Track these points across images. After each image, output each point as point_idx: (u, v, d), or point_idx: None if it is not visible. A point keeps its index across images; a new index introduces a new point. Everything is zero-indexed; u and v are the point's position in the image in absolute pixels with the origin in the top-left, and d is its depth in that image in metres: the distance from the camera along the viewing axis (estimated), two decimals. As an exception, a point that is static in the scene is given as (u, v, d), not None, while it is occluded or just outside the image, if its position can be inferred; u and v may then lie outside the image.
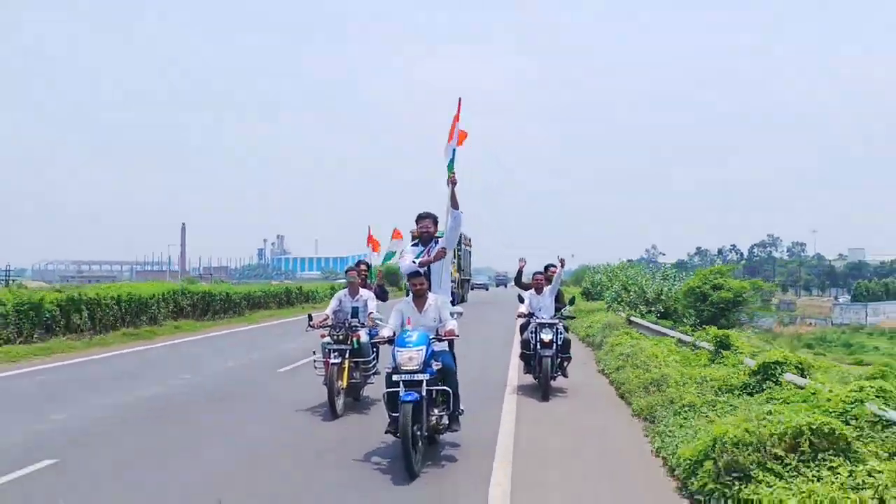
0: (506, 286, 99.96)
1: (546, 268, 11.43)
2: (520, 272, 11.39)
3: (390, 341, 6.81)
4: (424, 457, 6.68)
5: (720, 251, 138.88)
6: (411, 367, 6.37)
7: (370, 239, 12.01)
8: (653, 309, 21.70)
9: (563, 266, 11.18)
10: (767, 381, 8.01)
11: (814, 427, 5.29)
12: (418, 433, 6.32)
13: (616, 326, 17.02)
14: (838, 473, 5.01)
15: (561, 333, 10.60)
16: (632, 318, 19.38)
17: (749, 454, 5.32)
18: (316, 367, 9.53)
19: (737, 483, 5.26)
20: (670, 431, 7.36)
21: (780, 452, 5.27)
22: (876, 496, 4.68)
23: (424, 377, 6.38)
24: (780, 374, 8.02)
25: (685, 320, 19.86)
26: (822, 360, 14.08)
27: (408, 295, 7.38)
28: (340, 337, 8.92)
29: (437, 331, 6.97)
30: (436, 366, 6.64)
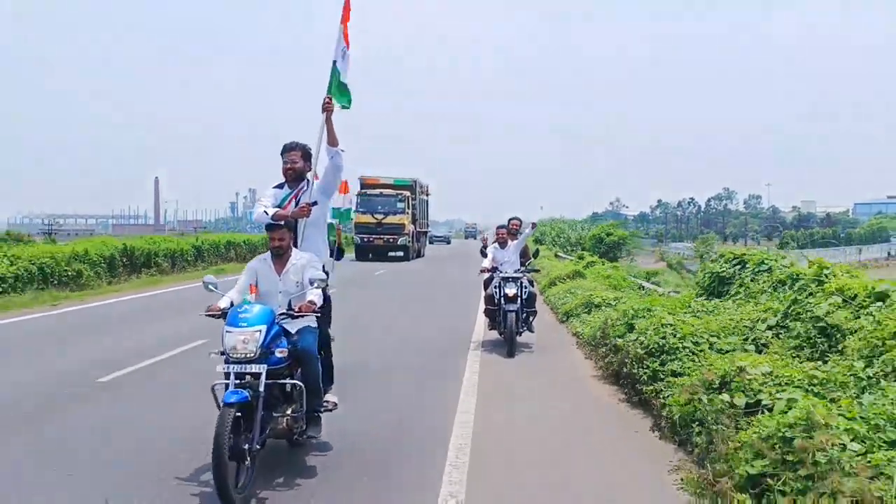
0: (475, 237, 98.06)
1: (509, 221, 10.95)
2: (484, 246, 10.96)
3: (224, 315, 4.97)
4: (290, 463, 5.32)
5: (679, 203, 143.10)
6: (242, 354, 4.66)
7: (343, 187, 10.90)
8: (574, 249, 34.54)
9: (534, 228, 10.98)
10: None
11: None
12: (247, 447, 4.52)
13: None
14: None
15: (526, 287, 10.16)
16: (558, 254, 32.43)
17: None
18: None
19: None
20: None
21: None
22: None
23: (262, 368, 4.68)
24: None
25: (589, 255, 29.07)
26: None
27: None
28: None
29: (289, 305, 5.26)
30: (280, 353, 4.88)
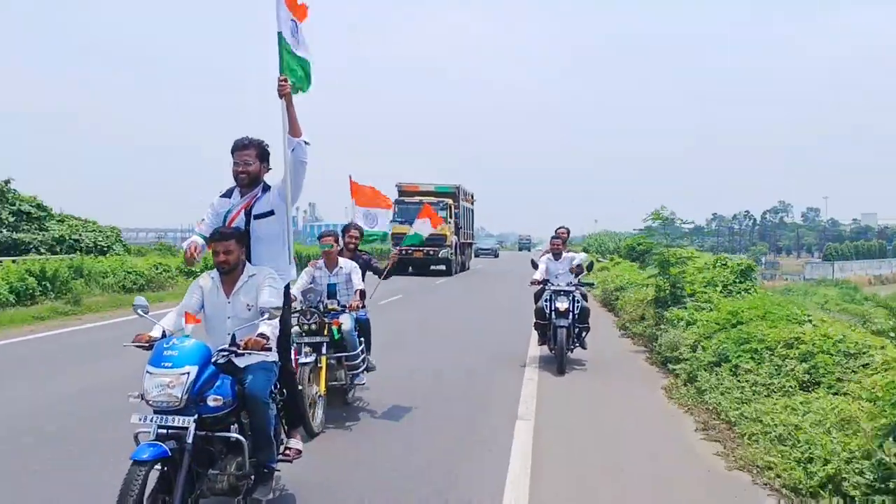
0: (529, 249, 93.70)
1: (556, 230, 10.37)
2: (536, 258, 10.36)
3: (150, 346, 3.96)
4: None
5: (735, 216, 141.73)
6: (164, 402, 3.69)
7: (355, 190, 8.01)
8: (612, 256, 34.16)
9: (589, 269, 10.49)
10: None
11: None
12: None
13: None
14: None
15: (578, 301, 9.54)
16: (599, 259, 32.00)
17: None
18: None
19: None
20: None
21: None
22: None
23: (188, 422, 3.69)
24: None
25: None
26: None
27: None
28: (313, 326, 6.35)
29: (233, 339, 4.14)
30: (214, 401, 3.81)
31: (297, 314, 6.28)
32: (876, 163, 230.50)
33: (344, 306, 6.65)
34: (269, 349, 4.11)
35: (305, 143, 4.74)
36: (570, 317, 9.35)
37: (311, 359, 6.07)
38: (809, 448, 4.91)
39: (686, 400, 7.45)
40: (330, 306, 6.58)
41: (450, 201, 31.57)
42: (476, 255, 48.72)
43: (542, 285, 9.75)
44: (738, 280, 11.00)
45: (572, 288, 9.53)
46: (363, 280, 6.97)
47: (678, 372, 8.30)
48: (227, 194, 4.70)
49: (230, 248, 4.25)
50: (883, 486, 4.10)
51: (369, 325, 7.28)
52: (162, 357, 3.76)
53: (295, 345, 6.10)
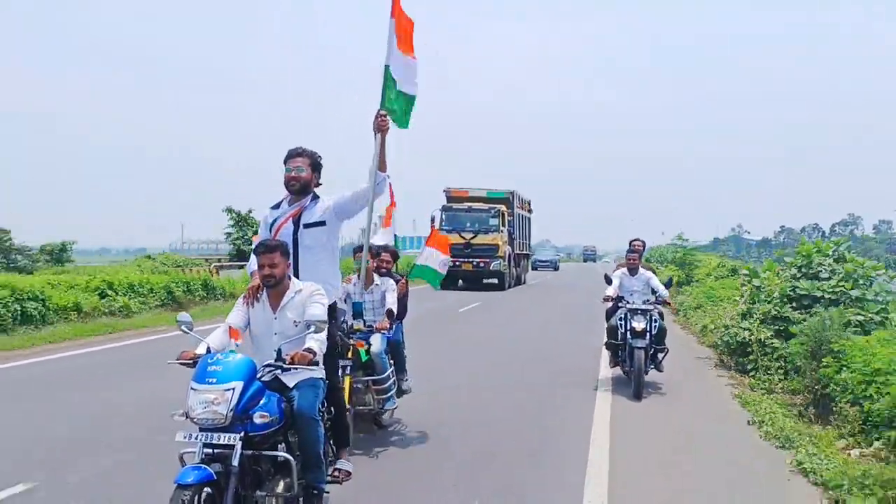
0: (595, 261, 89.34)
1: (631, 243, 9.62)
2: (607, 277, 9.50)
3: (195, 364, 3.79)
4: None
5: (803, 229, 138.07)
6: (209, 419, 3.51)
7: (433, 237, 7.15)
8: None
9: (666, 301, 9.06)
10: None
11: None
12: None
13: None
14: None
15: (656, 321, 8.79)
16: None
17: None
18: None
19: None
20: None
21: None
22: None
23: (235, 439, 3.51)
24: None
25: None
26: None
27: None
28: (335, 348, 6.21)
29: (279, 353, 3.92)
30: (261, 418, 3.65)
31: None
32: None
33: (371, 327, 6.28)
34: (317, 364, 3.93)
35: (387, 176, 4.95)
36: (648, 337, 8.61)
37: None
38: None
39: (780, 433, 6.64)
40: (356, 326, 6.27)
41: (503, 208, 28.09)
42: (534, 268, 45.57)
43: (615, 302, 9.05)
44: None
45: (650, 306, 8.78)
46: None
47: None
48: (277, 206, 4.71)
49: (275, 261, 4.08)
50: None
51: (401, 346, 6.87)
52: (206, 373, 3.62)
53: None
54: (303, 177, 4.58)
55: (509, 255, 28.45)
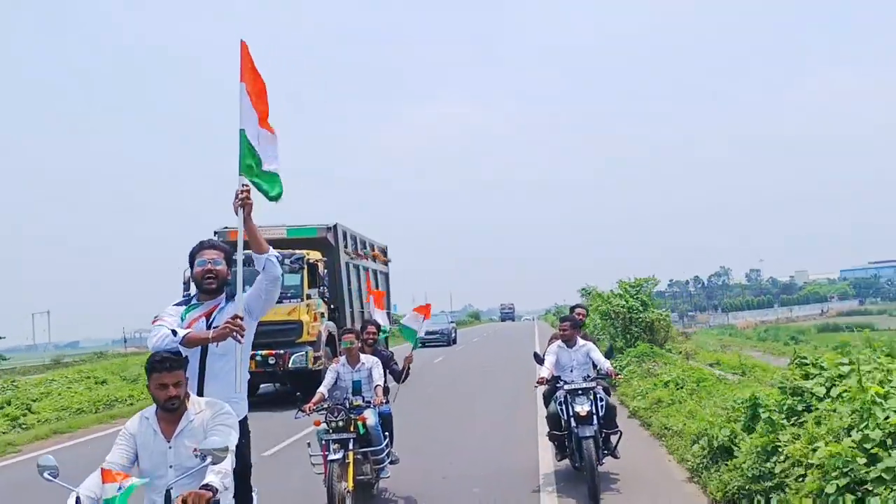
0: (513, 320, 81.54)
1: (572, 309, 8.11)
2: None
3: None
4: None
5: (687, 282, 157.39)
6: None
7: (421, 308, 7.76)
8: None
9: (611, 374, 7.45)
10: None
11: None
12: None
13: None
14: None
15: (602, 400, 7.16)
16: None
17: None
18: (313, 465, 6.52)
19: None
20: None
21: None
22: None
23: None
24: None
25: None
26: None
27: None
28: (340, 423, 6.27)
29: (167, 497, 3.30)
30: None
31: (324, 412, 6.40)
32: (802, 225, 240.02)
33: (368, 402, 6.54)
34: (216, 500, 3.19)
35: (274, 256, 4.09)
36: (595, 421, 6.97)
37: (339, 455, 6.10)
38: None
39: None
40: (355, 402, 6.48)
41: (312, 255, 14.73)
42: (422, 345, 26.54)
43: (552, 383, 7.40)
44: None
45: (592, 384, 7.16)
46: (384, 376, 7.01)
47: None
48: (183, 302, 4.12)
49: (180, 380, 3.44)
50: None
51: (391, 419, 7.13)
52: None
53: (323, 442, 6.35)
54: (220, 270, 4.06)
55: (325, 339, 14.85)
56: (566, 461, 7.41)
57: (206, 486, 3.15)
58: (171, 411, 3.45)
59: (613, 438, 7.33)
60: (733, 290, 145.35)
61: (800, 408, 6.08)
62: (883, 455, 4.44)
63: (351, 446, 6.24)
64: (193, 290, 4.19)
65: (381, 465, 6.72)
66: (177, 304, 4.10)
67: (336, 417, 6.30)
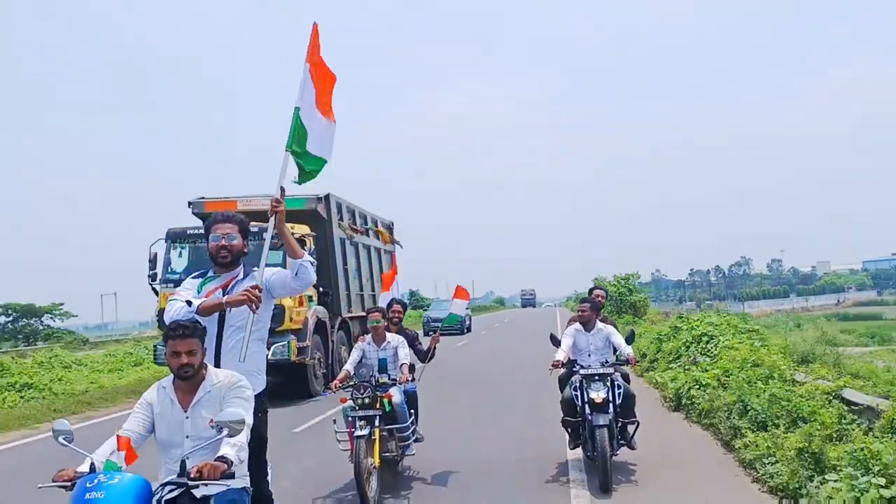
0: (533, 306, 79.99)
1: (591, 291, 7.66)
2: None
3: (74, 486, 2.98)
4: None
5: (708, 271, 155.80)
6: None
7: (458, 291, 8.05)
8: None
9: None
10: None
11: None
12: None
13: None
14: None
15: (619, 387, 6.72)
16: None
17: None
18: (339, 441, 6.62)
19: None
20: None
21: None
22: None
23: None
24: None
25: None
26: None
27: None
28: (366, 400, 6.28)
29: (182, 467, 3.13)
30: None
31: (350, 388, 6.39)
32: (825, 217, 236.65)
33: (394, 380, 6.59)
34: (232, 476, 3.10)
35: (309, 262, 4.06)
36: (611, 409, 6.55)
37: (365, 431, 6.12)
38: None
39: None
40: (381, 380, 6.53)
41: (301, 230, 12.22)
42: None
43: (568, 367, 6.98)
44: None
45: (609, 370, 6.72)
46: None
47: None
48: (200, 275, 4.11)
49: (194, 348, 3.41)
50: None
51: (416, 397, 7.13)
52: (84, 501, 2.84)
53: (350, 418, 6.36)
54: (234, 245, 4.05)
55: (313, 327, 12.57)
56: (578, 450, 7.01)
57: (222, 458, 3.12)
58: (185, 380, 3.43)
59: (630, 428, 6.91)
60: (753, 280, 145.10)
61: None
62: None
63: (377, 423, 6.27)
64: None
65: (406, 443, 6.75)
66: (194, 277, 4.12)
67: (362, 394, 6.30)
